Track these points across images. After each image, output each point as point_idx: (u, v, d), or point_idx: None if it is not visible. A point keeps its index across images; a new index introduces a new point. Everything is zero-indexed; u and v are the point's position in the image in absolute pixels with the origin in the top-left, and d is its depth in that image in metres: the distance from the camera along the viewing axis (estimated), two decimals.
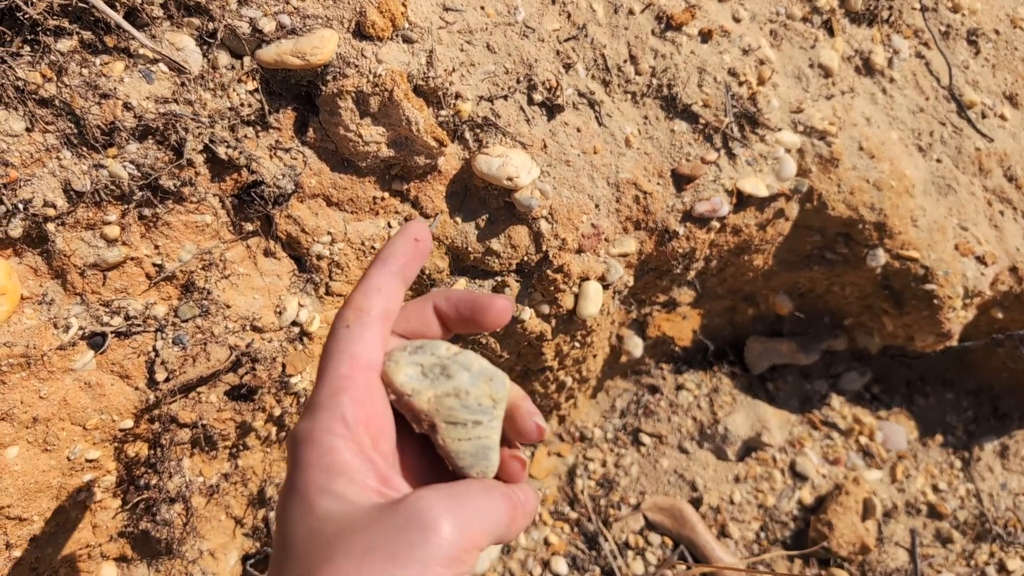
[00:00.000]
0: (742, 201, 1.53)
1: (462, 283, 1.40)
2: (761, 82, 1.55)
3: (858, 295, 1.95)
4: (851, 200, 1.64)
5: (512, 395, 0.69)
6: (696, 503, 1.92)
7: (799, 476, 2.00)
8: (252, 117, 1.17)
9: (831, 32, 1.71)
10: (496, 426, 0.66)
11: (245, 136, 1.18)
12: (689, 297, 1.80)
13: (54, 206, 1.06)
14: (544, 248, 1.37)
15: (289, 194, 1.22)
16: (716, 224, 1.52)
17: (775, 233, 1.65)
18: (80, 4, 1.03)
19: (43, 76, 1.04)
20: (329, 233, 1.28)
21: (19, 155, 1.03)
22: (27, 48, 1.03)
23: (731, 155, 1.51)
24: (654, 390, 2.10)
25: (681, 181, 1.48)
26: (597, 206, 1.41)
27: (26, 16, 1.01)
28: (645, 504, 1.90)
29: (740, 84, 1.52)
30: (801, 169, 1.59)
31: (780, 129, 1.56)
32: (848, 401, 2.25)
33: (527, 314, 1.42)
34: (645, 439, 2.02)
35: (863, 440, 2.15)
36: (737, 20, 1.60)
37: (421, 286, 1.39)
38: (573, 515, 1.90)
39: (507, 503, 0.63)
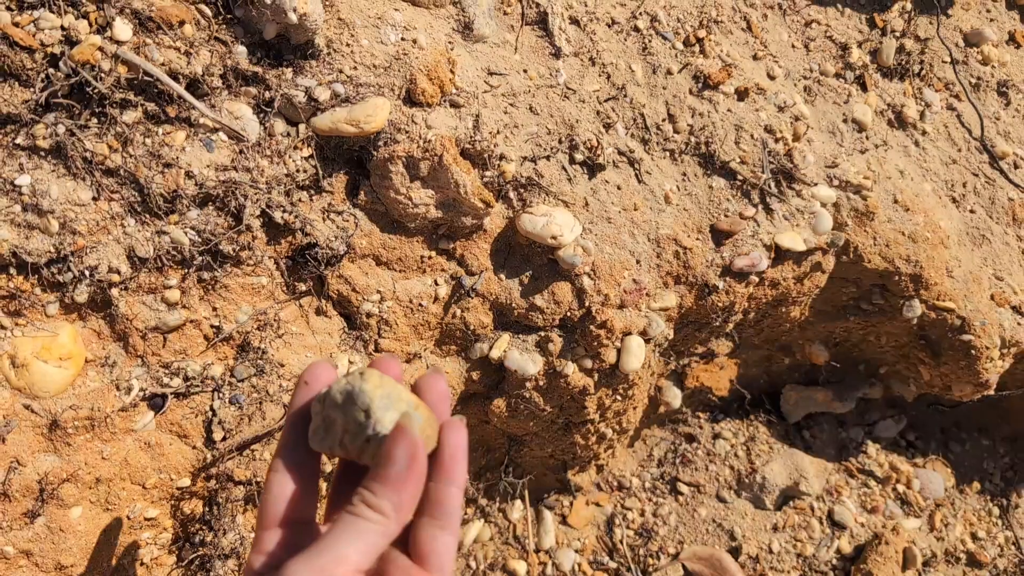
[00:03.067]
0: (780, 255, 1.55)
1: (506, 338, 1.42)
2: (796, 138, 1.57)
3: (894, 344, 1.96)
4: (887, 252, 1.65)
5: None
6: (735, 552, 1.92)
7: (837, 525, 2.00)
8: (307, 182, 1.21)
9: (864, 87, 1.73)
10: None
11: (299, 200, 1.21)
12: (727, 348, 1.81)
13: (118, 272, 1.09)
14: (587, 304, 1.39)
15: (341, 255, 1.25)
16: (755, 278, 1.54)
17: (812, 285, 1.66)
18: (145, 77, 1.08)
19: (109, 147, 1.08)
20: (378, 292, 1.31)
21: (86, 224, 1.07)
22: (95, 120, 1.07)
23: (768, 210, 1.54)
24: (691, 439, 2.11)
25: (720, 236, 1.50)
26: (638, 262, 1.43)
27: (95, 90, 1.05)
28: (684, 554, 1.90)
29: (776, 140, 1.54)
30: (837, 223, 1.61)
31: (816, 184, 1.58)
32: (884, 449, 2.25)
33: (570, 369, 1.44)
34: (683, 488, 2.02)
35: (900, 488, 2.15)
36: (772, 77, 1.63)
37: (466, 341, 1.42)
38: (612, 565, 1.90)
39: (373, 525, 0.67)
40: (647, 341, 1.47)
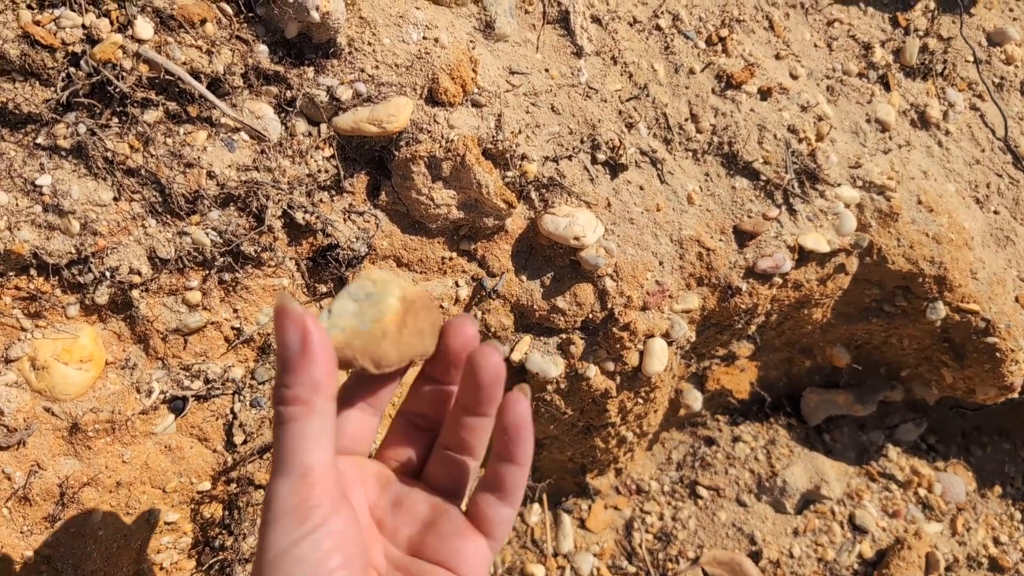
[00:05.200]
0: (803, 257, 1.54)
1: (527, 340, 1.41)
2: (820, 138, 1.55)
3: (916, 347, 1.94)
4: (911, 254, 1.64)
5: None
6: (755, 557, 1.90)
7: (859, 529, 1.98)
8: (328, 182, 1.20)
9: (887, 87, 1.71)
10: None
11: (321, 200, 1.20)
12: (748, 350, 1.79)
13: (139, 273, 1.08)
14: (609, 306, 1.38)
15: (363, 256, 1.23)
16: (778, 280, 1.52)
17: (835, 287, 1.65)
18: (166, 76, 1.06)
19: (131, 147, 1.06)
20: None
21: (107, 224, 1.06)
22: (116, 120, 1.06)
23: (792, 211, 1.52)
24: (711, 442, 2.10)
25: (743, 237, 1.48)
26: (661, 263, 1.41)
27: (116, 90, 1.04)
28: (704, 558, 1.88)
29: (800, 140, 1.53)
30: (861, 224, 1.60)
31: (839, 184, 1.56)
32: (905, 452, 2.23)
33: (592, 371, 1.42)
34: (702, 492, 2.01)
35: (922, 492, 2.13)
36: (795, 77, 1.61)
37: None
38: (631, 569, 1.89)
39: (304, 419, 0.63)
40: (669, 343, 1.45)
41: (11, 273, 1.03)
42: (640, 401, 1.55)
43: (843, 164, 1.59)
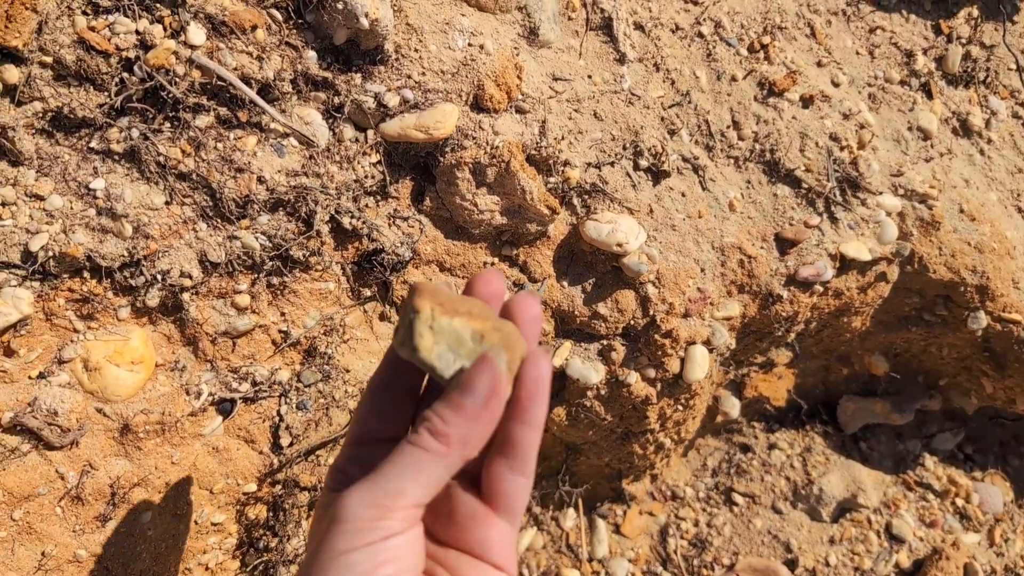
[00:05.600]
0: (844, 265, 1.53)
1: (567, 346, 1.41)
2: (861, 146, 1.55)
3: (956, 356, 1.92)
4: (952, 263, 1.62)
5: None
6: (791, 565, 1.89)
7: (896, 538, 1.97)
8: (374, 188, 1.21)
9: (929, 95, 1.70)
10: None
11: (366, 206, 1.21)
12: (786, 358, 1.79)
13: (190, 276, 1.09)
14: (651, 312, 1.38)
15: (407, 261, 1.24)
16: (819, 288, 1.52)
17: (875, 296, 1.64)
18: (218, 82, 1.08)
19: (182, 151, 1.08)
20: None
21: (159, 228, 1.07)
22: (168, 125, 1.08)
23: (833, 219, 1.51)
24: (746, 449, 2.09)
25: (784, 245, 1.48)
26: (703, 270, 1.41)
27: (169, 95, 1.05)
28: (739, 565, 1.87)
29: (841, 148, 1.52)
30: (902, 232, 1.59)
31: (881, 193, 1.56)
32: (941, 462, 2.21)
33: (633, 378, 1.42)
34: (738, 498, 2.00)
35: (959, 502, 2.11)
36: (836, 85, 1.60)
37: None
38: (666, 575, 1.88)
39: (435, 457, 0.62)
40: (710, 350, 1.45)
41: (65, 275, 1.05)
42: (680, 408, 1.55)
43: (885, 172, 1.58)
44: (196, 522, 1.16)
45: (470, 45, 1.24)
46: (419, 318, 0.64)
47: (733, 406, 1.80)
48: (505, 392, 0.64)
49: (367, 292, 1.26)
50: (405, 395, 0.74)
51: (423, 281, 0.68)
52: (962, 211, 1.64)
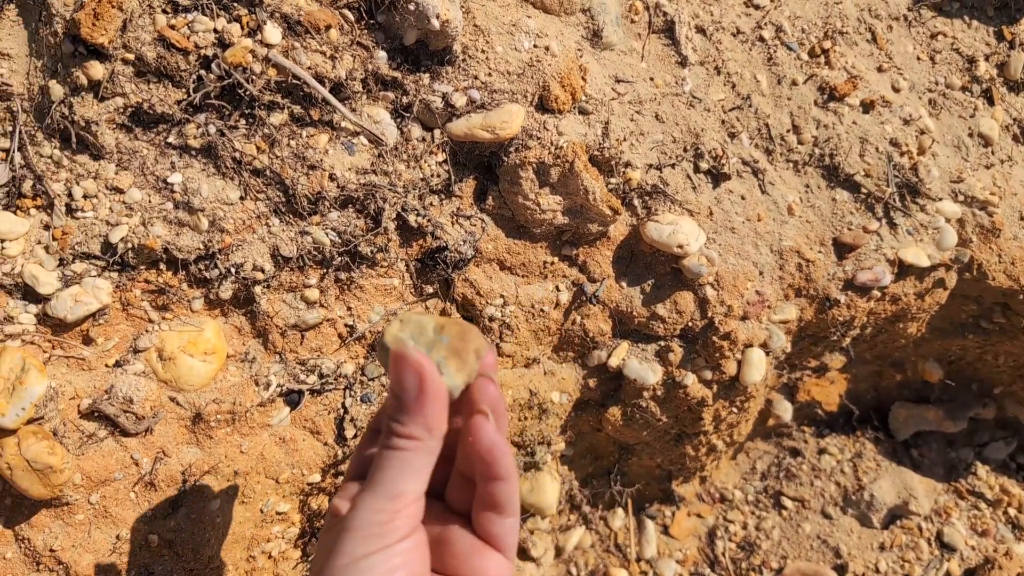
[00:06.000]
0: (903, 270, 1.52)
1: (624, 346, 1.42)
2: (922, 151, 1.54)
3: (1012, 364, 1.91)
4: (1012, 270, 1.61)
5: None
6: (840, 570, 1.88)
7: (947, 547, 1.95)
8: (439, 186, 1.23)
9: (991, 101, 1.69)
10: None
11: (431, 204, 1.23)
12: (840, 362, 1.78)
13: (262, 270, 1.12)
14: (710, 314, 1.38)
15: (469, 259, 1.26)
16: (877, 293, 1.52)
17: (932, 302, 1.63)
18: (292, 80, 1.10)
19: (257, 148, 1.10)
20: (502, 296, 1.31)
21: (233, 222, 1.10)
22: (243, 121, 1.10)
23: (892, 224, 1.51)
24: (796, 453, 2.08)
25: (843, 250, 1.48)
26: (761, 273, 1.42)
27: (246, 92, 1.08)
28: (788, 569, 1.87)
29: (901, 154, 1.52)
30: (961, 239, 1.58)
31: (941, 199, 1.55)
32: (994, 471, 2.19)
33: (690, 379, 1.43)
34: (787, 503, 2.00)
35: (1012, 512, 2.09)
36: (897, 90, 1.60)
37: (584, 348, 1.42)
38: None
39: (413, 452, 0.69)
40: (767, 353, 1.45)
41: (142, 267, 1.08)
42: (735, 410, 1.55)
43: (944, 178, 1.57)
44: (262, 511, 1.19)
45: (535, 46, 1.25)
46: (394, 319, 0.72)
47: (786, 410, 1.80)
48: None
49: (429, 289, 1.28)
50: None
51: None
52: (1023, 218, 1.63)
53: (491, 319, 1.32)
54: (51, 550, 1.03)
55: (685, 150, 1.38)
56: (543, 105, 1.25)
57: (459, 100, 1.19)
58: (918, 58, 1.67)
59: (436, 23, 1.13)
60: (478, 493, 0.75)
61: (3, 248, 1.02)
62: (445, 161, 1.22)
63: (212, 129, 1.09)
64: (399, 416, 0.69)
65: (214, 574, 1.16)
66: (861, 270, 1.48)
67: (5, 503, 1.02)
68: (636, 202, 1.35)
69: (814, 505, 2.00)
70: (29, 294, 1.03)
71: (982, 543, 1.98)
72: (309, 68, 1.11)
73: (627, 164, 1.32)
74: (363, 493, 0.68)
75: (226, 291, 1.12)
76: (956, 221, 1.57)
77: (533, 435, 1.45)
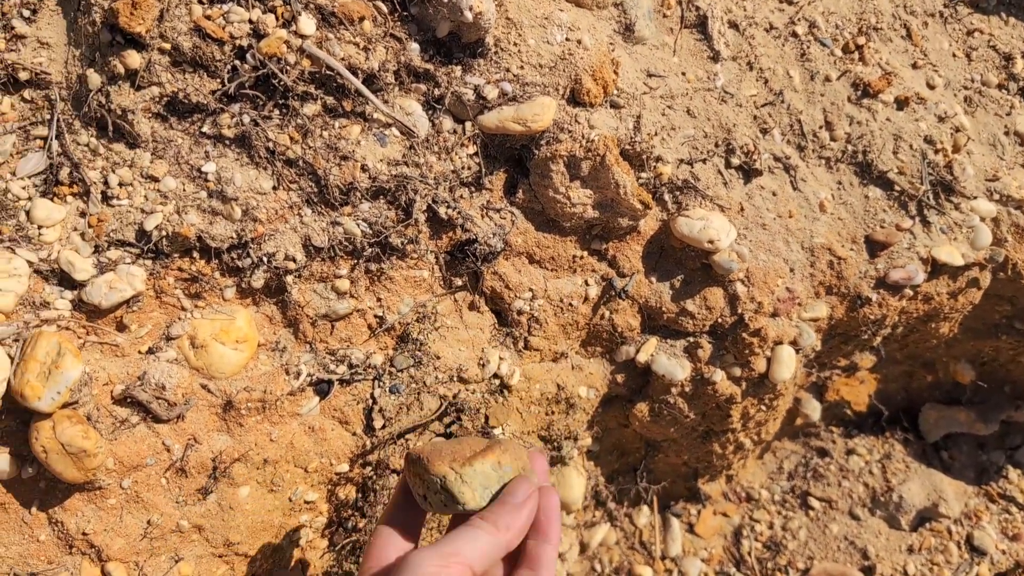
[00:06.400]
0: (936, 269, 1.51)
1: (653, 342, 1.42)
2: (956, 149, 1.53)
3: None
4: None
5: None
6: (868, 572, 1.87)
7: (977, 550, 1.93)
8: (469, 179, 1.23)
9: None
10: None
11: (461, 196, 1.23)
12: (870, 362, 1.77)
13: (294, 260, 1.13)
14: (740, 311, 1.38)
15: (498, 252, 1.26)
16: (909, 292, 1.50)
17: (965, 302, 1.62)
18: (326, 71, 1.11)
19: (290, 138, 1.11)
20: (530, 289, 1.31)
21: (266, 212, 1.10)
22: (276, 112, 1.11)
23: (925, 222, 1.50)
24: (823, 453, 2.07)
25: (875, 247, 1.47)
26: (792, 270, 1.41)
27: (280, 83, 1.08)
28: (815, 570, 1.86)
29: (936, 151, 1.51)
30: (996, 238, 1.56)
31: (975, 197, 1.54)
32: None
33: (719, 376, 1.43)
34: (814, 503, 1.98)
35: None
36: (932, 87, 1.59)
37: (612, 343, 1.42)
38: None
39: (487, 534, 0.81)
40: (797, 351, 1.45)
41: (176, 255, 1.09)
42: (763, 408, 1.54)
43: (979, 177, 1.56)
44: (290, 499, 1.19)
45: (568, 40, 1.25)
46: (449, 482, 0.86)
47: (814, 409, 1.79)
48: (535, 497, 0.86)
49: (458, 281, 1.28)
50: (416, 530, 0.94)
51: (413, 449, 0.91)
52: None
53: (520, 312, 1.32)
54: (83, 533, 1.04)
55: (716, 145, 1.38)
56: (575, 98, 1.25)
57: (491, 92, 1.19)
58: (953, 55, 1.65)
59: (469, 15, 1.13)
60: (523, 553, 0.85)
61: (40, 234, 1.04)
62: (476, 153, 1.22)
63: (246, 119, 1.10)
64: (493, 508, 0.84)
65: (243, 561, 1.17)
66: (893, 268, 1.47)
67: (39, 486, 1.03)
68: (667, 197, 1.34)
69: (842, 506, 1.98)
70: (65, 280, 1.05)
71: (1013, 547, 1.96)
72: (342, 59, 1.11)
73: (658, 159, 1.31)
74: (427, 547, 0.78)
75: (258, 280, 1.13)
76: (991, 220, 1.56)
77: (560, 429, 1.45)
